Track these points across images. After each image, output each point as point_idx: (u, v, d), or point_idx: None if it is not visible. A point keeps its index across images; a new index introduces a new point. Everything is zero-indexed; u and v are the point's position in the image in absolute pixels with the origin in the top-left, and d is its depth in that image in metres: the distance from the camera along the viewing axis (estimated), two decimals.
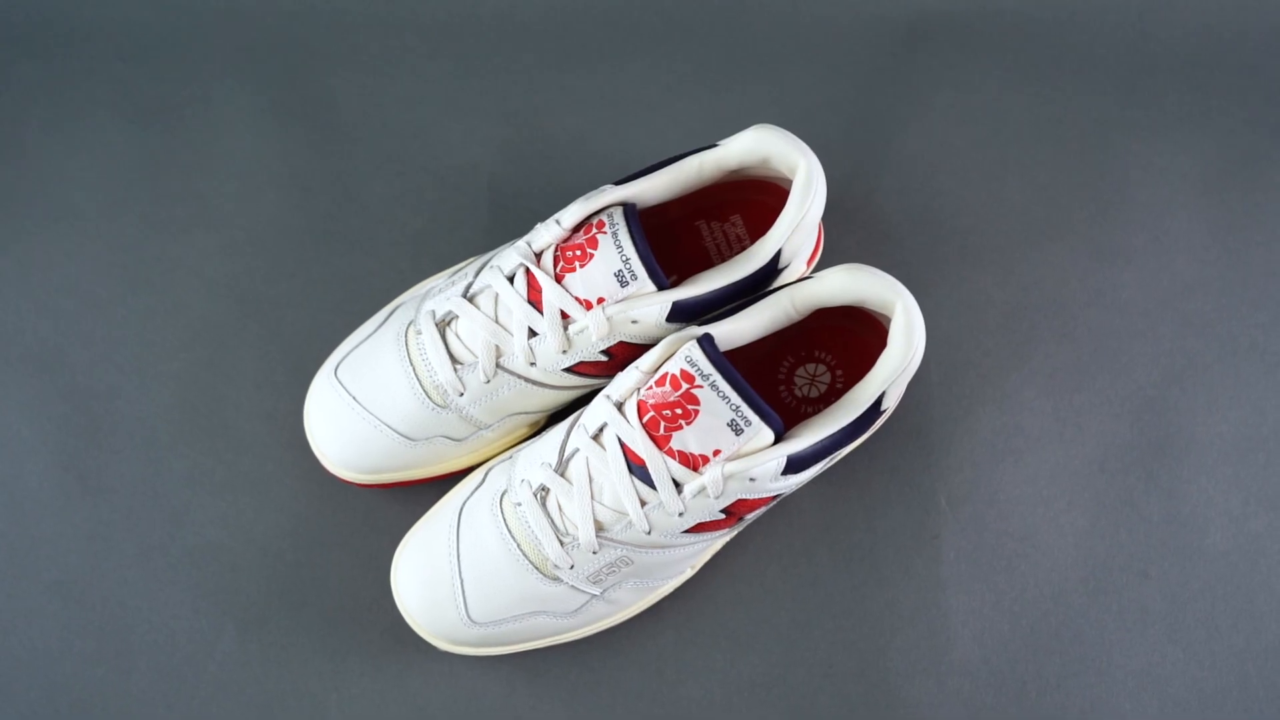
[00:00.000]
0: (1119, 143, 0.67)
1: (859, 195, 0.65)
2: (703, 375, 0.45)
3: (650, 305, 0.48)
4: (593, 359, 0.50)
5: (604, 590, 0.50)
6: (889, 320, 0.49)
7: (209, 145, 0.66)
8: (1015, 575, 0.56)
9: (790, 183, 0.51)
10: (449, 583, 0.50)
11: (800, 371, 0.56)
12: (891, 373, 0.47)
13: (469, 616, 0.49)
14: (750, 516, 0.50)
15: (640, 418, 0.46)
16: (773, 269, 0.51)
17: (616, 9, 0.69)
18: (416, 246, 0.63)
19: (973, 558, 0.56)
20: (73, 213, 0.64)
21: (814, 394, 0.55)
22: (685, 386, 0.45)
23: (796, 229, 0.50)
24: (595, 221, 0.50)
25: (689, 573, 0.53)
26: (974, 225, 0.64)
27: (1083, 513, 0.57)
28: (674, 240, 0.58)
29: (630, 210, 0.50)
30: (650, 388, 0.47)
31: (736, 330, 0.49)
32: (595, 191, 0.51)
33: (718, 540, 0.52)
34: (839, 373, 0.55)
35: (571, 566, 0.48)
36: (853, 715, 0.54)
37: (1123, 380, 0.60)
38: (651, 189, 0.52)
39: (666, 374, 0.46)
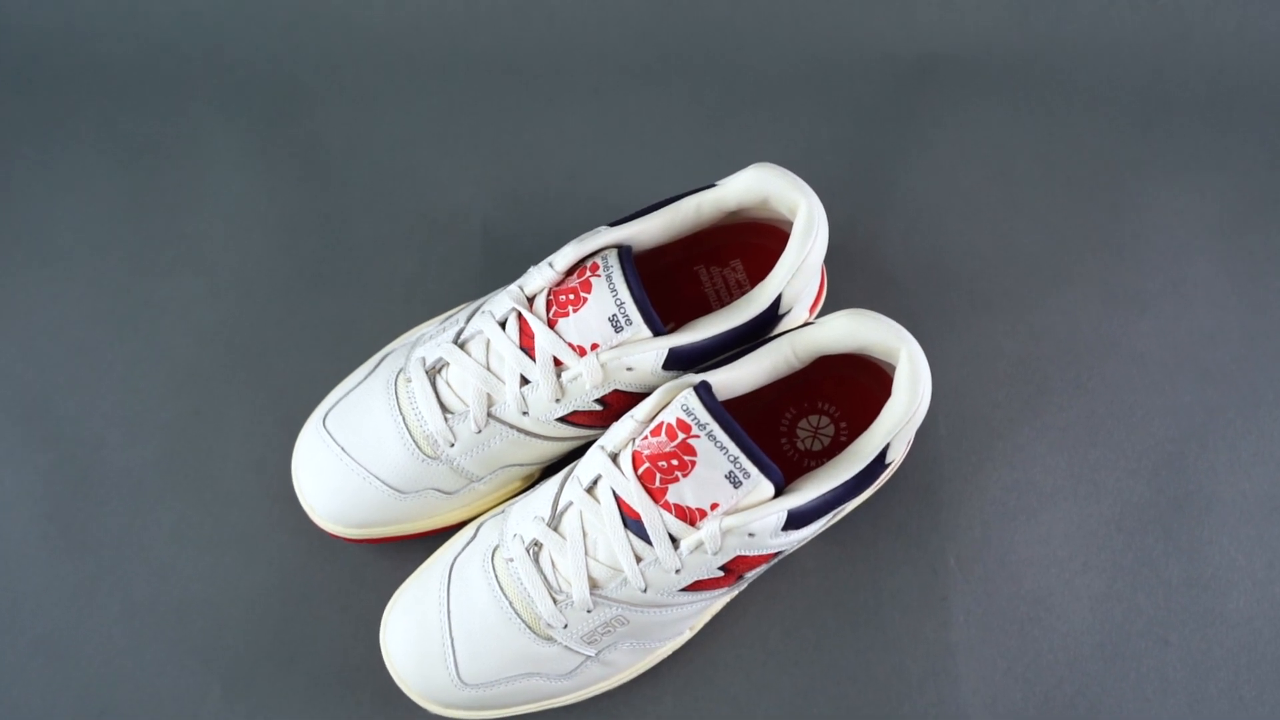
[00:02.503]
0: (1132, 184, 0.67)
1: (863, 239, 0.65)
2: (699, 425, 0.46)
3: (646, 352, 0.49)
4: (587, 408, 0.51)
5: (599, 651, 0.50)
6: (894, 369, 0.50)
7: (196, 186, 0.67)
8: (1028, 640, 0.56)
9: (791, 224, 0.52)
10: (439, 642, 0.50)
11: (803, 424, 0.56)
12: (896, 423, 0.48)
13: (459, 678, 0.49)
14: (750, 575, 0.50)
15: (635, 469, 0.47)
16: (773, 315, 0.52)
17: (612, 47, 0.70)
18: (408, 290, 0.64)
19: (983, 621, 0.56)
20: (58, 254, 0.65)
21: (817, 447, 0.56)
22: (681, 436, 0.46)
23: (798, 272, 0.50)
24: (589, 264, 0.51)
25: (687, 634, 0.53)
26: (982, 270, 0.65)
27: (1099, 574, 0.57)
28: (672, 286, 0.58)
29: (625, 253, 0.50)
30: (645, 438, 0.47)
31: (735, 378, 0.49)
32: (589, 233, 0.52)
33: (717, 600, 0.52)
34: (843, 425, 0.56)
35: (565, 626, 0.49)
36: None
37: (1140, 435, 0.60)
38: (648, 231, 0.53)
39: (662, 423, 0.47)
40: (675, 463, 0.46)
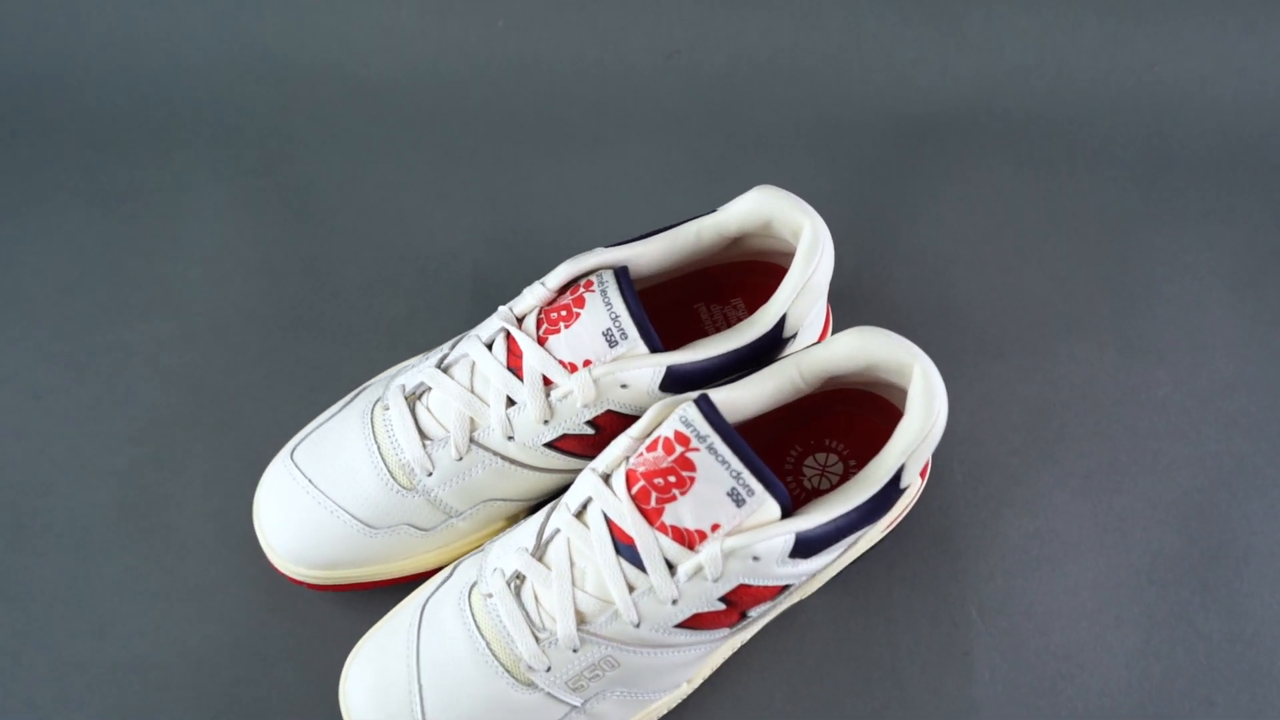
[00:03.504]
0: (1141, 236, 0.66)
1: (869, 286, 0.64)
2: (699, 437, 0.43)
3: (642, 368, 0.46)
4: (577, 431, 0.47)
5: (586, 701, 0.45)
6: (905, 398, 0.47)
7: (175, 231, 0.66)
8: (1060, 699, 0.51)
9: (794, 255, 0.50)
10: (405, 691, 0.45)
11: (809, 461, 0.53)
12: (911, 442, 0.45)
13: None
14: (754, 613, 0.46)
15: (629, 489, 0.43)
16: (778, 337, 0.49)
17: (613, 101, 0.70)
18: (392, 335, 0.62)
19: (1009, 678, 0.51)
20: (20, 297, 0.63)
21: (825, 486, 0.52)
22: (679, 450, 0.43)
23: (803, 292, 0.48)
24: (583, 282, 0.48)
25: (685, 689, 0.49)
26: (992, 318, 0.63)
27: (1133, 629, 0.53)
28: (670, 323, 0.56)
29: (621, 271, 0.48)
30: (640, 454, 0.44)
31: (737, 399, 0.47)
32: (585, 253, 0.50)
33: (717, 647, 0.48)
34: (852, 464, 0.53)
35: (548, 669, 0.44)
36: None
37: (1166, 483, 0.57)
38: (646, 254, 0.51)
39: (659, 438, 0.43)
40: (673, 479, 0.43)
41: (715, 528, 0.42)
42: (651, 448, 0.44)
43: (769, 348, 0.50)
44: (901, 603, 0.53)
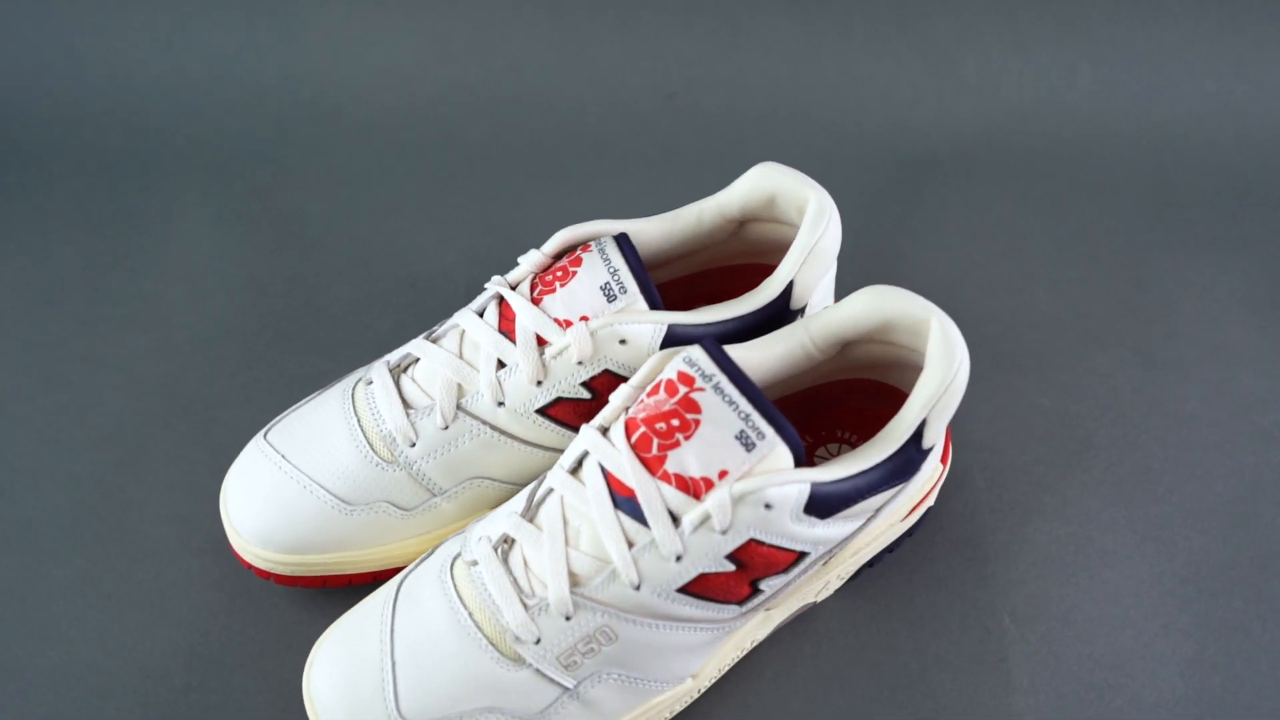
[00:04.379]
0: (1153, 261, 0.66)
1: None
2: (705, 376, 0.40)
3: (642, 323, 0.44)
4: (573, 395, 0.45)
5: (579, 683, 0.40)
6: (920, 372, 0.44)
7: (161, 251, 0.65)
8: (1111, 709, 0.46)
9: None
10: (377, 670, 0.40)
11: (820, 452, 0.50)
12: (933, 394, 0.42)
13: (398, 710, 0.39)
14: (765, 586, 0.41)
15: (628, 438, 0.40)
16: (784, 307, 0.47)
17: (611, 134, 0.71)
18: (379, 348, 0.60)
19: (1052, 687, 0.47)
20: None
21: None
22: (683, 391, 0.40)
23: (810, 258, 0.47)
24: (580, 246, 0.47)
25: (690, 685, 0.44)
26: (1004, 333, 0.61)
27: (1184, 638, 0.49)
28: None
29: (621, 234, 0.46)
30: (641, 402, 0.41)
31: (744, 359, 0.44)
32: (583, 223, 0.48)
33: (724, 635, 0.43)
34: None
35: (538, 640, 0.40)
36: None
37: (1205, 493, 0.54)
38: (646, 231, 0.49)
39: (660, 381, 0.41)
40: (676, 423, 0.40)
41: (723, 474, 0.39)
42: (653, 392, 0.41)
43: (776, 318, 0.47)
44: (926, 608, 0.49)
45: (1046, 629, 0.48)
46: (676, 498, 0.39)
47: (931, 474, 0.48)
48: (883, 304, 0.44)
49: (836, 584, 0.48)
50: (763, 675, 0.47)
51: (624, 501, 0.40)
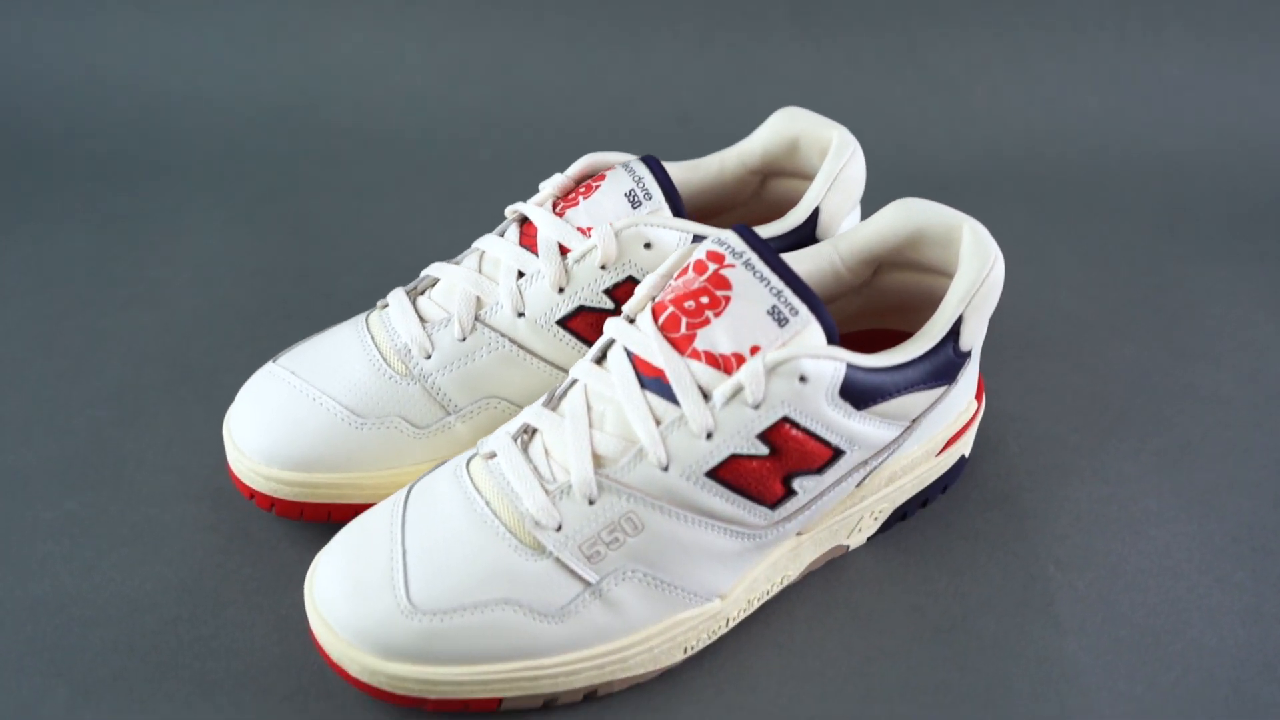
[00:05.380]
0: (1173, 269, 0.66)
1: None
2: (735, 254, 0.39)
3: (669, 230, 0.44)
4: (595, 303, 0.44)
5: (602, 578, 0.38)
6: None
7: (171, 243, 0.65)
8: (1171, 657, 0.43)
9: None
10: (386, 559, 0.38)
11: None
12: (969, 289, 0.41)
13: (409, 600, 0.37)
14: (798, 486, 0.40)
15: (655, 320, 0.39)
16: (810, 235, 0.47)
17: (623, 143, 0.72)
18: None
19: (1107, 630, 0.44)
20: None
21: None
22: (713, 268, 0.39)
23: (835, 186, 0.47)
24: (605, 168, 0.47)
25: (717, 605, 0.41)
26: (1031, 325, 0.61)
27: (1240, 590, 0.46)
28: None
29: (649, 156, 0.47)
30: (669, 285, 0.40)
31: None
32: (608, 152, 0.49)
33: (756, 554, 0.41)
34: None
35: (559, 527, 0.38)
36: None
37: (1248, 465, 0.53)
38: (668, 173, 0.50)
39: (689, 263, 0.40)
40: (705, 300, 0.39)
41: (755, 350, 0.38)
42: (681, 274, 0.40)
43: (802, 244, 0.47)
44: (965, 558, 0.47)
45: (1094, 577, 0.46)
46: (706, 373, 0.38)
47: (967, 405, 0.47)
48: (912, 215, 0.45)
49: (870, 526, 0.46)
50: (795, 617, 0.44)
51: (651, 381, 0.38)
